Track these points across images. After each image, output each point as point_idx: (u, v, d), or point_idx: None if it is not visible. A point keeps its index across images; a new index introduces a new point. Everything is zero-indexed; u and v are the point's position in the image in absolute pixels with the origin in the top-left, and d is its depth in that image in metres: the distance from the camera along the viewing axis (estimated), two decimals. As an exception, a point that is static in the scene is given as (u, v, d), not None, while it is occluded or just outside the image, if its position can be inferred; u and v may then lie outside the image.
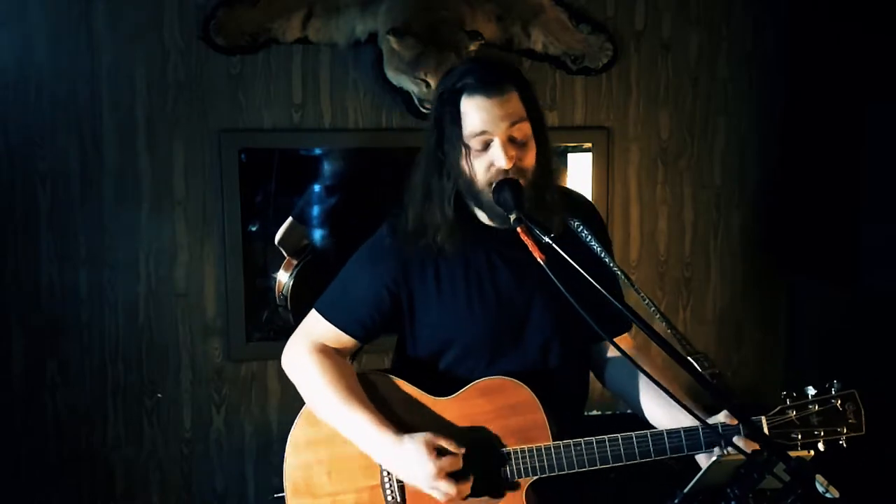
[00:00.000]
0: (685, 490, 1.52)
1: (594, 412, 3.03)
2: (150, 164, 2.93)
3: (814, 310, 3.43)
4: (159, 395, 3.01)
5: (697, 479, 1.54)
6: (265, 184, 3.06)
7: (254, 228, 3.05)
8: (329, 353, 1.90)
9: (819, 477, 1.44)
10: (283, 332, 3.03)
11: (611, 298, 1.54)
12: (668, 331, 1.63)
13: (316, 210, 3.12)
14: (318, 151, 3.12)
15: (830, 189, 3.17)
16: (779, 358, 3.55)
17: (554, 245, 1.63)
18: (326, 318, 1.91)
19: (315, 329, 1.93)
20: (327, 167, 3.14)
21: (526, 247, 1.70)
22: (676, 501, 1.50)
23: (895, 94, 2.90)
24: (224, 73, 2.95)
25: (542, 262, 1.62)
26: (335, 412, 1.84)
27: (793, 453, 1.41)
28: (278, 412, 3.09)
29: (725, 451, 1.71)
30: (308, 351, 1.90)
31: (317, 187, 3.12)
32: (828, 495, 1.51)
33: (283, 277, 3.04)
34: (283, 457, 1.89)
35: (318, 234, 3.14)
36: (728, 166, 3.41)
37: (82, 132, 2.88)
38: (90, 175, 2.89)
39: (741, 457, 1.48)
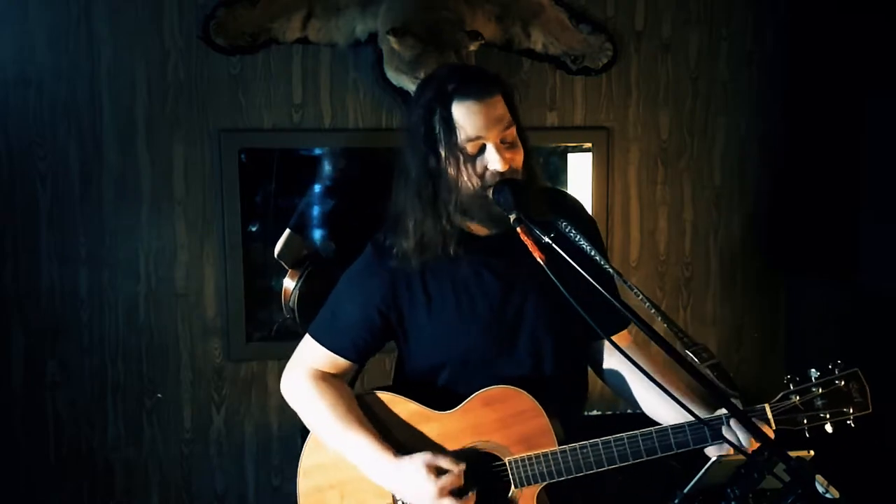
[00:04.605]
0: (685, 490, 1.52)
1: (594, 412, 3.02)
2: (150, 164, 2.94)
3: (814, 310, 3.43)
4: (159, 395, 3.02)
5: (697, 480, 1.54)
6: (265, 184, 3.06)
7: (254, 228, 3.05)
8: (327, 379, 1.90)
9: (819, 477, 1.44)
10: (283, 332, 3.05)
11: (608, 296, 1.55)
12: (665, 326, 1.62)
13: (316, 210, 3.12)
14: (318, 151, 3.12)
15: (830, 189, 3.17)
16: (779, 358, 3.55)
17: (554, 245, 1.63)
18: (320, 343, 1.90)
19: (310, 354, 1.92)
20: (327, 167, 3.14)
21: (510, 253, 1.71)
22: (676, 501, 1.50)
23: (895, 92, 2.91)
24: (224, 73, 2.95)
25: (541, 263, 1.62)
26: (336, 437, 1.84)
27: (793, 453, 1.41)
28: (278, 412, 3.09)
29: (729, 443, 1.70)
30: (306, 378, 1.90)
31: (316, 189, 3.11)
32: (828, 495, 1.51)
33: (290, 286, 3.02)
34: (294, 483, 1.90)
35: (318, 235, 3.13)
36: (728, 166, 3.41)
37: (82, 132, 2.88)
38: (90, 175, 2.89)
39: (741, 457, 1.48)
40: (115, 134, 2.90)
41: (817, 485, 1.42)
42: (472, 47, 2.85)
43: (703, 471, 1.55)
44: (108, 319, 2.96)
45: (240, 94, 2.97)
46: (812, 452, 1.66)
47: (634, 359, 1.91)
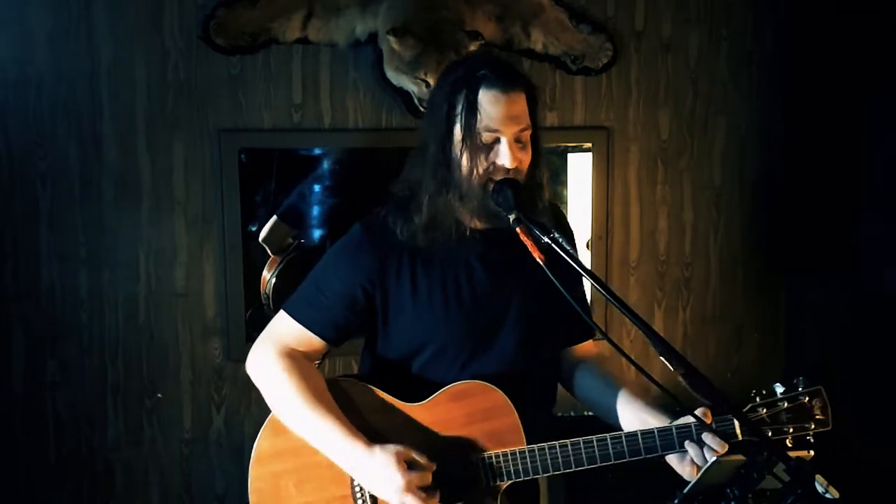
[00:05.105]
0: (685, 490, 1.52)
1: (588, 413, 3.00)
2: (150, 164, 2.93)
3: (814, 310, 3.43)
4: (159, 395, 3.02)
5: (697, 480, 1.54)
6: (265, 184, 3.06)
7: (254, 228, 3.05)
8: (297, 358, 1.84)
9: (819, 477, 1.44)
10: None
11: (611, 299, 1.56)
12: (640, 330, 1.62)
13: (315, 210, 3.13)
14: (317, 151, 3.13)
15: (830, 189, 3.18)
16: (779, 358, 3.55)
17: (554, 245, 1.63)
18: (296, 319, 1.85)
19: (283, 331, 1.87)
20: (327, 167, 3.15)
21: (504, 247, 1.71)
22: (676, 502, 1.50)
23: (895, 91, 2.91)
24: (224, 73, 2.95)
25: (541, 263, 1.63)
26: (303, 420, 1.79)
27: (792, 453, 1.41)
28: (278, 412, 3.09)
29: (703, 451, 1.71)
30: (275, 355, 1.85)
31: (315, 187, 3.12)
32: (827, 496, 1.51)
33: (267, 276, 3.04)
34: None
35: (316, 234, 3.14)
36: (728, 166, 3.41)
37: (82, 132, 2.88)
38: (90, 175, 2.89)
39: (741, 457, 1.49)
40: (115, 134, 2.90)
41: (817, 485, 1.42)
42: (472, 47, 2.85)
43: (702, 471, 1.56)
44: (108, 320, 2.95)
45: (240, 94, 2.97)
46: (812, 453, 1.67)
47: (607, 366, 1.96)
